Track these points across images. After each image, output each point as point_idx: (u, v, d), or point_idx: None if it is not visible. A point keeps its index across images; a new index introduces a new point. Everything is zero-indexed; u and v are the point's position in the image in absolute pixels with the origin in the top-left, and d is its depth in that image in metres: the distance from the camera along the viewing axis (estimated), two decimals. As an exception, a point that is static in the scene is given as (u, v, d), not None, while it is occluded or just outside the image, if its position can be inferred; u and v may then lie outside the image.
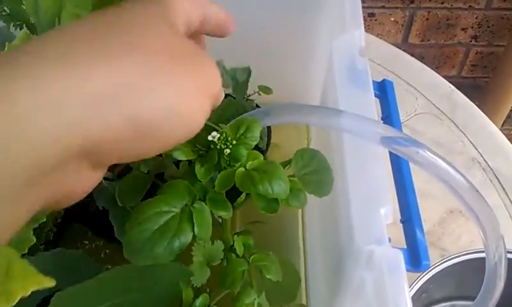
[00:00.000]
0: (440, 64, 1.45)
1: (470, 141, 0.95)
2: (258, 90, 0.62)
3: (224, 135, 0.38)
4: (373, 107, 0.39)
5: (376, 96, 0.43)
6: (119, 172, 0.51)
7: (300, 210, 0.69)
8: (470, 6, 1.28)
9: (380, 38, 1.11)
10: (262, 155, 0.39)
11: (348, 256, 0.38)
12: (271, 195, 0.35)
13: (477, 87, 1.53)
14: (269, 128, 0.67)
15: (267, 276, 0.38)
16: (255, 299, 0.37)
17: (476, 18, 1.32)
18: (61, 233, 0.64)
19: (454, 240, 0.80)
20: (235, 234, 0.41)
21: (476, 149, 0.94)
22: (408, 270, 0.35)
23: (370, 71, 0.41)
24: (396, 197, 0.41)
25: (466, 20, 1.32)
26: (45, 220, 0.39)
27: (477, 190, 0.36)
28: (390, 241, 0.36)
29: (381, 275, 0.34)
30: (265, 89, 0.62)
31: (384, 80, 0.45)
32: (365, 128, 0.35)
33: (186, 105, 0.26)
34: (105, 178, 0.46)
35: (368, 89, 0.40)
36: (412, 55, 1.43)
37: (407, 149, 0.35)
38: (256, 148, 0.46)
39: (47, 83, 0.21)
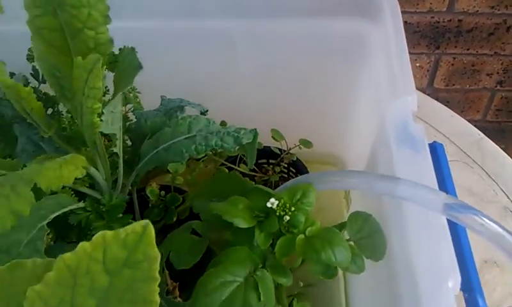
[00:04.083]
0: (465, 109, 1.45)
1: (502, 190, 0.95)
2: (299, 144, 0.62)
3: (282, 201, 0.38)
4: (432, 174, 0.39)
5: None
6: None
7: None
8: (495, 52, 1.29)
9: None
10: (318, 222, 0.39)
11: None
12: (334, 263, 0.35)
13: (502, 131, 1.52)
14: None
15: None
16: None
17: (502, 64, 1.32)
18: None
19: (489, 291, 0.79)
20: (290, 297, 0.41)
21: (508, 198, 0.93)
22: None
23: (425, 137, 0.41)
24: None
25: (491, 66, 1.33)
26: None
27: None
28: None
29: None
30: (306, 143, 0.62)
31: (434, 142, 0.44)
32: (427, 197, 0.35)
33: None
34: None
35: (425, 156, 0.40)
36: (437, 99, 1.43)
37: (468, 218, 0.35)
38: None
39: None
